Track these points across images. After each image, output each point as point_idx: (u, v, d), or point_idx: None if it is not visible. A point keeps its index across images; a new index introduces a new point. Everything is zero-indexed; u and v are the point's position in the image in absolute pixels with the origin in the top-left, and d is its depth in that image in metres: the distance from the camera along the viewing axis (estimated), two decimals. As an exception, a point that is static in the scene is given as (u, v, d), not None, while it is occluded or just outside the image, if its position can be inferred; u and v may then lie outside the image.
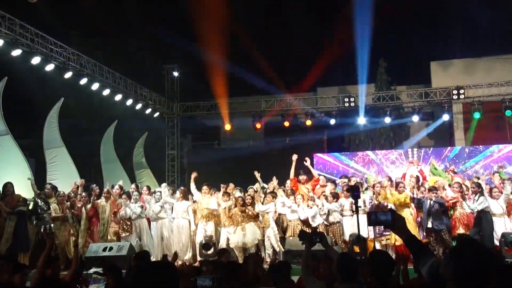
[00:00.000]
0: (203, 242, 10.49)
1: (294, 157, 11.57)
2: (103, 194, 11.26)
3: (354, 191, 3.59)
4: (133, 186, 12.56)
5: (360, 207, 10.43)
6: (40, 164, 13.54)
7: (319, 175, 12.36)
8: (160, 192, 11.43)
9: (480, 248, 2.36)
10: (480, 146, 16.03)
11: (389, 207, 10.01)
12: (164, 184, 12.02)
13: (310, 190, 11.10)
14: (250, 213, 10.45)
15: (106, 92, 14.96)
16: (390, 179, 10.70)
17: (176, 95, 18.95)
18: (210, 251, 10.09)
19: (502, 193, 9.68)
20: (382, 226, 2.92)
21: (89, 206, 11.05)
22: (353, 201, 10.18)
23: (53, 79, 13.97)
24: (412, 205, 10.12)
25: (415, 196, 10.21)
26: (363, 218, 10.28)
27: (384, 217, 2.77)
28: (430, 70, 20.19)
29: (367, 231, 10.17)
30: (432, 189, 9.84)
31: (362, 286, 3.79)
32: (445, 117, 17.24)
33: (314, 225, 10.34)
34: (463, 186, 10.31)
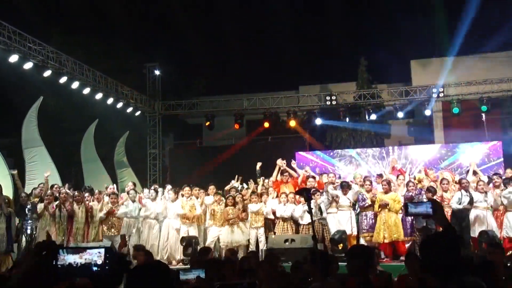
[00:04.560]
0: (185, 241, 10.52)
1: (279, 161, 11.61)
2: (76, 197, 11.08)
3: (306, 193, 3.59)
4: (130, 184, 12.28)
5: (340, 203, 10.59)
6: (18, 164, 13.31)
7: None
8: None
9: (446, 239, 2.51)
10: (450, 144, 16.35)
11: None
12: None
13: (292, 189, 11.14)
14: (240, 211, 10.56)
15: (87, 90, 14.79)
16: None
17: (158, 93, 18.84)
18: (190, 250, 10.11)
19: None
20: (422, 217, 3.07)
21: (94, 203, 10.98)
22: (350, 198, 10.40)
23: (32, 77, 13.77)
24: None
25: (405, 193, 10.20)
26: (346, 215, 10.40)
27: (422, 208, 2.87)
28: (410, 69, 20.41)
29: (350, 228, 10.24)
30: (431, 189, 9.90)
31: (337, 283, 3.82)
32: (427, 112, 17.42)
33: (302, 223, 10.37)
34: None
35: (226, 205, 10.66)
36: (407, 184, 10.27)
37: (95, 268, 2.47)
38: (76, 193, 11.09)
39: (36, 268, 2.33)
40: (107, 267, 2.46)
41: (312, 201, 10.43)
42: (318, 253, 4.20)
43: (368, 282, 3.50)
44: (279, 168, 11.60)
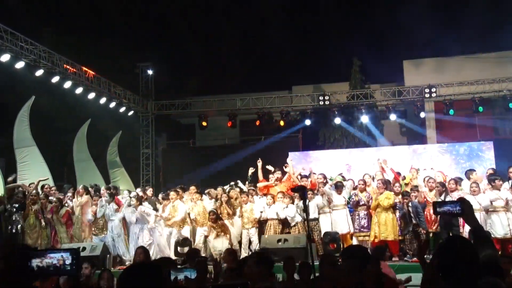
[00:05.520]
0: (180, 242, 10.54)
1: (259, 163, 11.66)
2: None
3: (303, 191, 3.60)
4: (102, 188, 12.20)
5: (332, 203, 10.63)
6: (10, 164, 13.25)
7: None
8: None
9: (464, 244, 2.51)
10: (445, 144, 16.41)
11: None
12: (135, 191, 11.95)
13: (287, 189, 11.16)
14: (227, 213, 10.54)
15: (79, 90, 14.74)
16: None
17: (151, 93, 18.80)
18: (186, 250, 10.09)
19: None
20: (450, 216, 3.12)
21: (62, 211, 10.93)
22: (345, 197, 10.42)
23: (24, 77, 13.70)
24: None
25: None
26: (342, 214, 10.43)
27: (450, 207, 2.89)
28: (403, 69, 20.47)
29: (347, 226, 10.28)
30: (405, 194, 9.95)
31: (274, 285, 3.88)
32: (422, 114, 17.53)
33: (292, 224, 10.41)
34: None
35: (210, 219, 10.57)
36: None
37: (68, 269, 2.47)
38: (54, 199, 11.08)
39: (9, 269, 2.39)
40: (73, 268, 2.46)
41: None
42: (264, 253, 4.22)
43: (363, 282, 3.50)
44: (262, 168, 11.66)
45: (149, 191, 12.19)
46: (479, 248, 2.74)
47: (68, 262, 2.44)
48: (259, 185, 11.58)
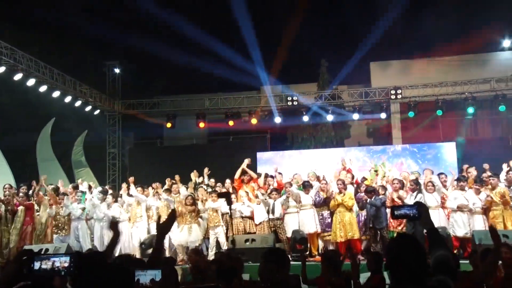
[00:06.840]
0: (145, 242, 10.45)
1: (246, 161, 11.63)
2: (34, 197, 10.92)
3: (227, 197, 3.66)
4: (70, 185, 12.15)
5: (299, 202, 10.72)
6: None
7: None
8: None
9: (412, 242, 2.56)
10: (407, 145, 16.81)
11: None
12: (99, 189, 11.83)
13: (255, 189, 11.21)
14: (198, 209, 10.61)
15: (43, 88, 14.40)
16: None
17: (118, 92, 18.52)
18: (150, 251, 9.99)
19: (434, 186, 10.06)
20: (407, 219, 3.16)
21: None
22: (313, 196, 10.52)
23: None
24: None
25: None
26: (309, 213, 10.51)
27: (407, 211, 2.93)
28: (370, 70, 20.76)
29: (314, 226, 10.37)
30: (370, 190, 10.14)
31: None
32: (382, 115, 17.86)
33: (257, 222, 10.48)
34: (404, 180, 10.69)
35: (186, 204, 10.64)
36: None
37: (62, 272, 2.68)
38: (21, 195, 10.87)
39: (17, 272, 2.61)
40: (71, 269, 2.70)
41: (271, 200, 10.59)
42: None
43: (278, 284, 3.55)
44: (242, 168, 11.65)
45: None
46: (433, 249, 2.83)
47: (66, 264, 2.68)
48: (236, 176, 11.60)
